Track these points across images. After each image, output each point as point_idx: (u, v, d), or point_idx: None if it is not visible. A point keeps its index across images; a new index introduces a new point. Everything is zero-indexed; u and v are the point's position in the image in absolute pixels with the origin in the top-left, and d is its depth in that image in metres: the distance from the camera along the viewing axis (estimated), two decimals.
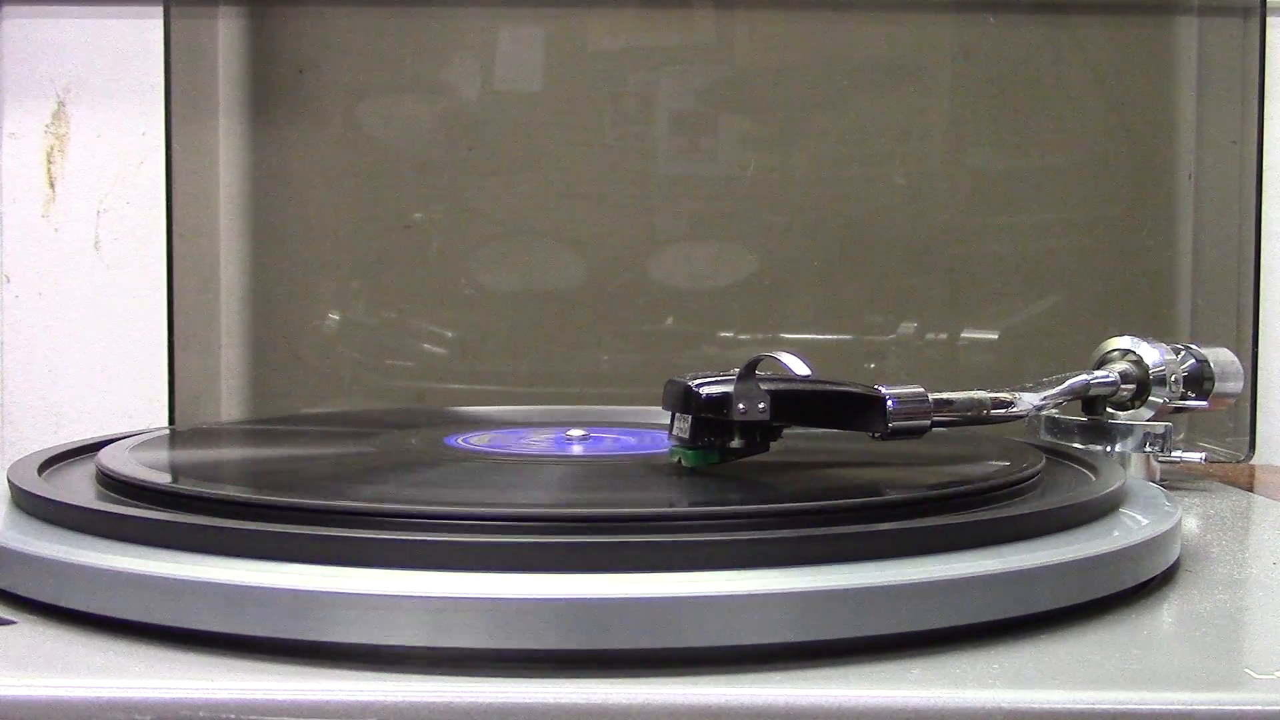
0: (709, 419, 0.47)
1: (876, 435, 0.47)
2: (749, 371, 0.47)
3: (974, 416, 0.51)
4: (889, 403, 0.47)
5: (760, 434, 0.48)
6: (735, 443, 0.48)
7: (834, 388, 0.48)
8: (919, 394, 0.48)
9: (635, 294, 0.84)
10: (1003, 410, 0.53)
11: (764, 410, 0.46)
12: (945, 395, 0.50)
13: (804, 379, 0.47)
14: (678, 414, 0.48)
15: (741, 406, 0.46)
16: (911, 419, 0.47)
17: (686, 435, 0.47)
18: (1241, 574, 0.46)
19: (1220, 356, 0.66)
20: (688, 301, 0.85)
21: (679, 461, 0.48)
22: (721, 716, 0.32)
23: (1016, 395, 0.55)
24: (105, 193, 0.86)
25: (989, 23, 0.84)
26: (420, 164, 0.85)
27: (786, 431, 0.50)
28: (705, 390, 0.46)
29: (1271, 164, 0.81)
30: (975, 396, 0.52)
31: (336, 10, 0.84)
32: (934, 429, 0.49)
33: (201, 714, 0.32)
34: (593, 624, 0.34)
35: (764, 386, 0.46)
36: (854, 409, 0.48)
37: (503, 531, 0.38)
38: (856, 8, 0.84)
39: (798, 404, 0.47)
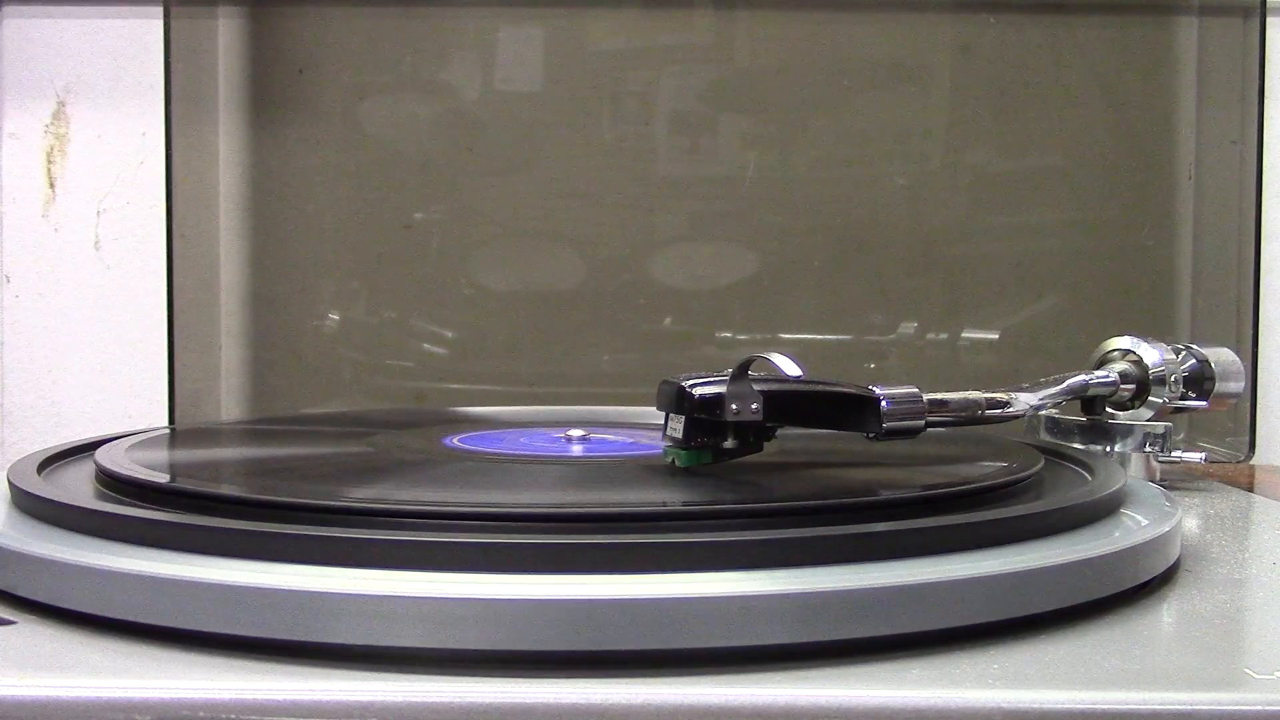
0: (702, 419, 0.47)
1: (871, 435, 0.47)
2: (742, 372, 0.47)
3: (969, 417, 0.51)
4: (882, 403, 0.47)
5: (753, 434, 0.48)
6: (729, 443, 0.48)
7: (827, 388, 0.48)
8: (913, 394, 0.48)
9: (635, 294, 0.84)
10: (998, 410, 0.53)
11: (757, 411, 0.46)
12: (940, 395, 0.50)
13: (795, 379, 0.47)
14: (671, 414, 0.48)
15: (734, 407, 0.46)
16: (905, 419, 0.47)
17: (680, 436, 0.47)
18: (1241, 574, 0.46)
19: (1221, 356, 0.66)
20: (687, 301, 0.85)
21: (673, 462, 0.48)
22: (721, 716, 0.32)
23: (1013, 395, 0.55)
24: (105, 193, 0.86)
25: (989, 23, 0.84)
26: (420, 164, 0.85)
27: (786, 432, 0.50)
28: (698, 391, 0.46)
29: (1271, 164, 0.81)
30: (970, 397, 0.52)
31: (336, 10, 0.84)
32: (929, 429, 0.49)
33: (201, 714, 0.32)
34: (592, 624, 0.34)
35: (757, 387, 0.47)
36: (848, 409, 0.48)
37: (502, 531, 0.38)
38: (856, 8, 0.84)
39: (791, 404, 0.48)
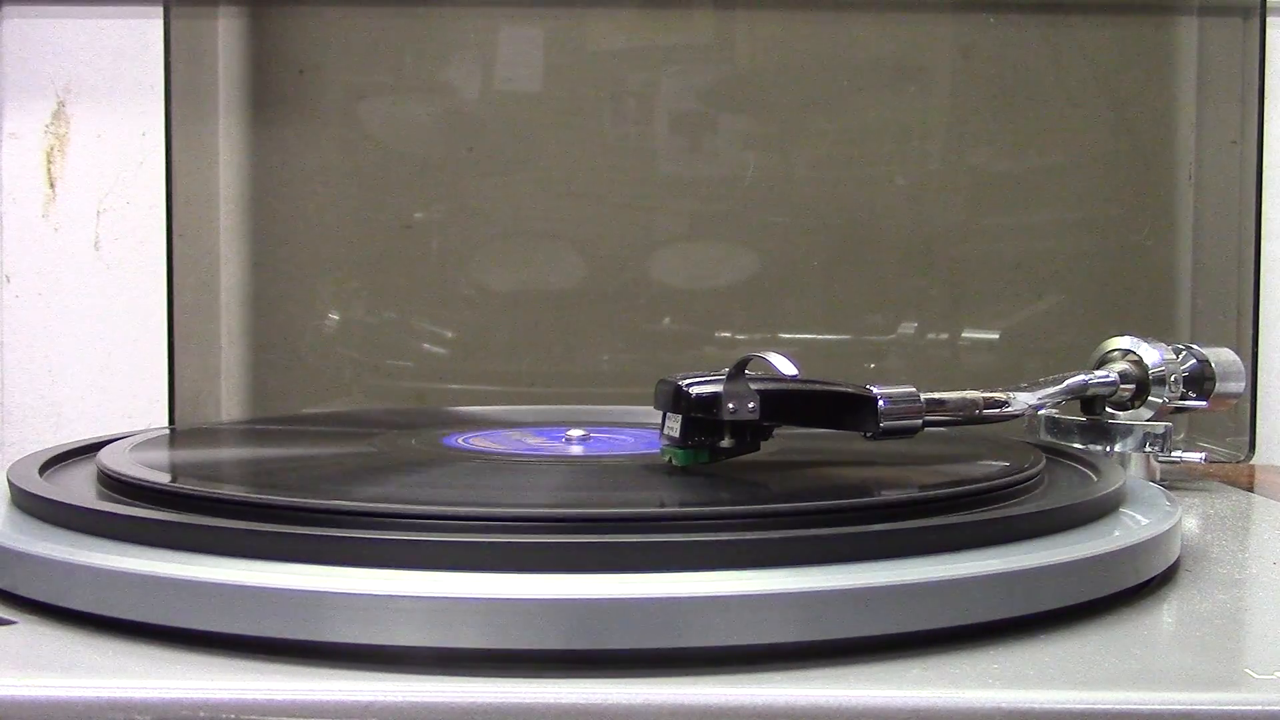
0: (699, 418, 0.47)
1: (868, 435, 0.47)
2: (738, 371, 0.47)
3: (967, 416, 0.51)
4: (880, 402, 0.47)
5: (750, 433, 0.48)
6: (725, 442, 0.48)
7: (824, 387, 0.48)
8: (910, 394, 0.48)
9: (635, 294, 0.84)
10: (996, 410, 0.53)
11: (753, 410, 0.47)
12: (937, 395, 0.50)
13: (792, 379, 0.47)
14: (669, 414, 0.48)
15: (731, 406, 0.46)
16: (903, 419, 0.48)
17: (677, 435, 0.47)
18: (1241, 574, 0.46)
19: (1222, 356, 0.66)
20: (687, 301, 0.85)
21: (670, 460, 0.48)
22: (721, 716, 0.32)
23: (1011, 395, 0.55)
24: (105, 193, 0.86)
25: (989, 23, 0.84)
26: (420, 164, 0.85)
27: (787, 431, 0.50)
28: (695, 390, 0.46)
29: (1271, 164, 0.81)
30: (968, 396, 0.52)
31: (336, 10, 0.84)
32: (927, 429, 0.49)
33: (201, 714, 0.32)
34: (592, 624, 0.34)
35: (753, 386, 0.47)
36: (845, 408, 0.48)
37: (502, 531, 0.38)
38: (856, 8, 0.84)
39: (788, 404, 0.48)
